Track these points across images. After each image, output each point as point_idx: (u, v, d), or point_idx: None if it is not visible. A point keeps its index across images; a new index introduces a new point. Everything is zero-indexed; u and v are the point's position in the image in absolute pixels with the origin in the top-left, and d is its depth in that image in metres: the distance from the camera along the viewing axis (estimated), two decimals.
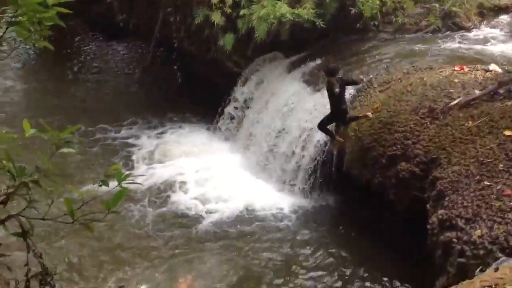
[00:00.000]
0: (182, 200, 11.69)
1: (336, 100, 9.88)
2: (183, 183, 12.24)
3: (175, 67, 17.61)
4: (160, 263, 9.76)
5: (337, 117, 10.18)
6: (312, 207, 11.44)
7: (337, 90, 9.48)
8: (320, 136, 11.22)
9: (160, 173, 12.66)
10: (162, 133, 14.67)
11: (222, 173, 12.51)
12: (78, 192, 3.35)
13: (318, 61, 12.59)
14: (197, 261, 9.85)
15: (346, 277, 9.44)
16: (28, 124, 3.27)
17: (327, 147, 11.15)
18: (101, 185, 3.50)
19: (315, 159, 11.34)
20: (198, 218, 11.12)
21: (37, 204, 3.28)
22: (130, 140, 14.25)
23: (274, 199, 11.65)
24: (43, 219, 3.33)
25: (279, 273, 9.61)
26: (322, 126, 10.39)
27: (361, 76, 10.50)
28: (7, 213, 3.22)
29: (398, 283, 9.14)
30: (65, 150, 3.31)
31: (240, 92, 13.94)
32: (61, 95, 16.39)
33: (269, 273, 9.58)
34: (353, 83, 10.38)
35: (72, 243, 9.98)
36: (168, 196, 11.82)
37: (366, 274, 9.43)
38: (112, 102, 16.28)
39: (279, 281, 9.41)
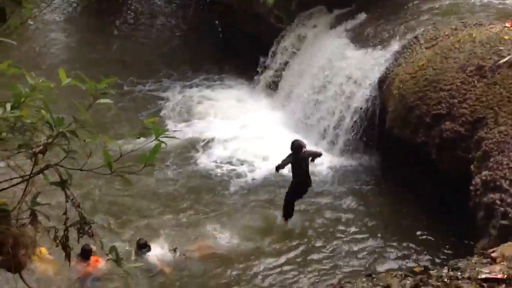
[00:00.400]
0: (218, 157, 11.64)
1: (299, 171, 9.16)
2: (218, 140, 12.14)
3: (217, 22, 17.36)
4: (186, 217, 9.85)
5: (301, 190, 9.39)
6: (352, 166, 11.29)
7: (285, 162, 8.93)
8: (363, 94, 11.00)
9: (194, 130, 12.59)
10: (199, 88, 14.47)
11: (260, 130, 12.35)
12: (116, 144, 3.32)
13: (364, 16, 12.25)
14: (231, 216, 9.90)
15: (376, 235, 9.38)
16: (64, 72, 3.24)
17: (369, 106, 10.95)
18: (139, 137, 3.48)
19: (357, 117, 11.14)
20: (234, 175, 11.09)
21: (75, 155, 3.28)
22: (164, 94, 14.17)
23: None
24: (81, 170, 3.33)
25: (312, 227, 9.62)
26: (288, 200, 9.45)
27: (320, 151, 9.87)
28: (46, 163, 3.22)
29: (423, 249, 9.00)
30: (102, 101, 3.28)
31: (281, 48, 13.69)
32: (100, 49, 16.43)
33: (301, 227, 9.62)
34: (315, 155, 9.37)
35: (107, 194, 10.16)
36: (203, 153, 11.77)
37: (398, 236, 9.31)
38: (150, 55, 16.18)
39: (311, 233, 9.45)
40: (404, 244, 9.08)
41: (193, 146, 11.98)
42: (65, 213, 3.17)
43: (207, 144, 12.05)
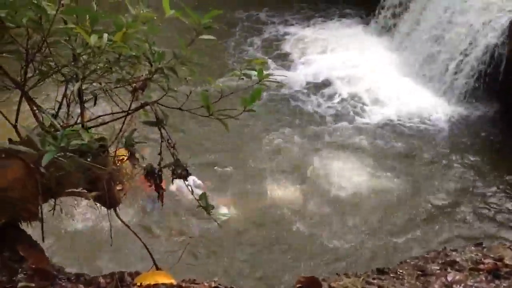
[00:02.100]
0: (323, 98, 11.15)
1: None
2: (331, 80, 11.60)
3: None
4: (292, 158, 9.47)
5: None
6: (470, 116, 10.52)
7: None
8: (490, 37, 10.06)
9: (306, 68, 12.07)
10: (311, 24, 13.77)
11: (374, 72, 11.71)
12: (216, 85, 3.13)
13: None
14: (340, 160, 9.48)
15: (489, 196, 8.65)
16: (168, 3, 3.06)
17: (495, 52, 10.02)
18: (242, 78, 3.26)
19: (480, 63, 10.25)
20: (345, 118, 10.60)
21: (174, 94, 3.15)
22: (274, 30, 13.58)
23: (429, 104, 10.83)
24: (181, 109, 3.20)
25: (422, 179, 9.06)
26: None
27: None
28: (146, 99, 3.10)
29: None
30: (205, 37, 3.09)
31: None
32: None
33: (411, 177, 9.07)
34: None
35: (204, 134, 9.72)
36: (314, 93, 11.27)
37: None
38: None
39: (425, 185, 8.88)
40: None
41: (298, 85, 11.48)
42: (159, 153, 3.06)
43: (312, 84, 11.54)
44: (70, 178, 2.85)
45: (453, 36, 10.90)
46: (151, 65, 2.82)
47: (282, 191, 8.61)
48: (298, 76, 11.74)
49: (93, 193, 3.11)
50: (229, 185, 8.65)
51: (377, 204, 8.46)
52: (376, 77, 11.54)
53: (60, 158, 2.36)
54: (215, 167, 9.00)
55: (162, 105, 3.17)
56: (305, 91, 11.37)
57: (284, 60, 12.47)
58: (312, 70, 11.96)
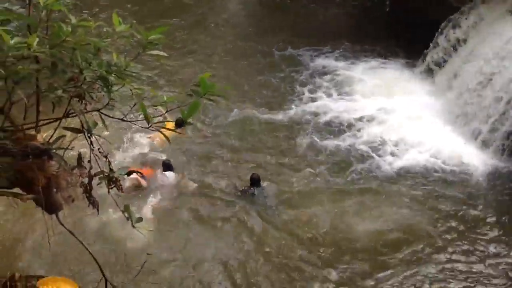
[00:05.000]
0: (359, 137, 10.94)
1: None
2: (365, 120, 11.40)
3: None
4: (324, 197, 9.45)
5: None
6: (508, 170, 10.00)
7: None
8: None
9: (340, 107, 11.86)
10: (353, 63, 13.52)
11: (412, 116, 11.41)
12: (160, 96, 3.16)
13: None
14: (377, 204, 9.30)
15: None
16: (117, 18, 3.13)
17: None
18: (190, 95, 3.27)
19: None
20: (374, 161, 10.31)
21: (115, 104, 3.18)
22: (312, 66, 13.44)
23: (465, 154, 10.38)
24: (123, 120, 3.23)
25: (449, 232, 8.72)
26: None
27: None
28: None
29: None
30: (154, 52, 3.15)
31: (453, 31, 12.36)
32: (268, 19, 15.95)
33: (438, 230, 8.75)
34: None
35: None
36: (347, 132, 11.12)
37: None
38: (309, 25, 15.35)
39: (447, 239, 8.54)
40: None
41: (337, 123, 11.38)
42: (89, 161, 3.07)
43: (351, 123, 11.36)
44: None
45: (496, 86, 10.50)
46: (81, 73, 2.85)
47: None
48: (329, 115, 11.65)
49: (29, 196, 3.14)
50: None
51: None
52: (413, 122, 11.27)
53: None
54: None
55: (105, 114, 3.20)
56: (336, 131, 11.21)
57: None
58: (344, 111, 11.78)
